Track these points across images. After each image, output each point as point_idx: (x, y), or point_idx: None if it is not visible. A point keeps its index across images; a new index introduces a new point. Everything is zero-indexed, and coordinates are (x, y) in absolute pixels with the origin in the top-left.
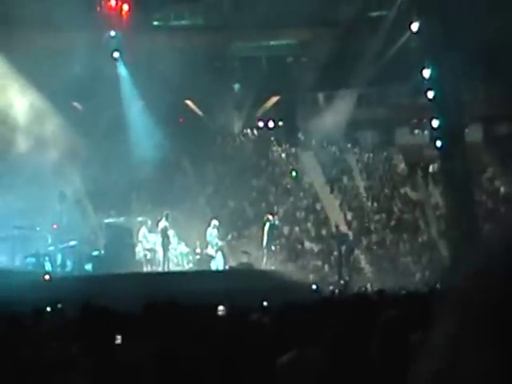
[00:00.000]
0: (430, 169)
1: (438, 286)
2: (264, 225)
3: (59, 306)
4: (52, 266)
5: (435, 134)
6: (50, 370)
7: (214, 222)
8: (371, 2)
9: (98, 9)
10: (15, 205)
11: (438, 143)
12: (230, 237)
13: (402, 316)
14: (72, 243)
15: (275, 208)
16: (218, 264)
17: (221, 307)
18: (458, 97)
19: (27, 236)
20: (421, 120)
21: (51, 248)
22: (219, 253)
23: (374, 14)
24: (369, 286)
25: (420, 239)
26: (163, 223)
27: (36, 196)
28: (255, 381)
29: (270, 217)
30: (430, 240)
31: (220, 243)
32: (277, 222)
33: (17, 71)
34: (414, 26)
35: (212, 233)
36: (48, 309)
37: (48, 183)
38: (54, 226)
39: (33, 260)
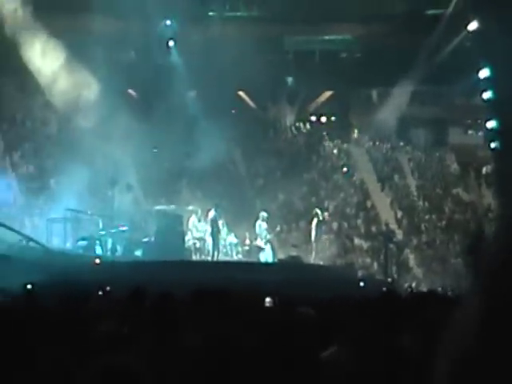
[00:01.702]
0: (484, 170)
1: None
2: (312, 219)
3: (108, 289)
4: (102, 250)
5: (490, 135)
6: (102, 347)
7: (263, 214)
8: None
9: None
10: (69, 188)
11: (493, 144)
12: (279, 229)
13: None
14: (123, 228)
15: (325, 203)
16: (267, 256)
17: (268, 299)
18: None
19: (79, 219)
20: (475, 120)
21: (102, 232)
22: (268, 245)
23: (430, 11)
24: (414, 285)
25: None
26: (213, 213)
27: (89, 180)
28: (299, 373)
29: (319, 211)
30: None
31: (269, 236)
32: (326, 217)
33: (76, 57)
34: (471, 25)
35: (261, 225)
36: (100, 292)
37: (101, 168)
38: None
39: (84, 243)
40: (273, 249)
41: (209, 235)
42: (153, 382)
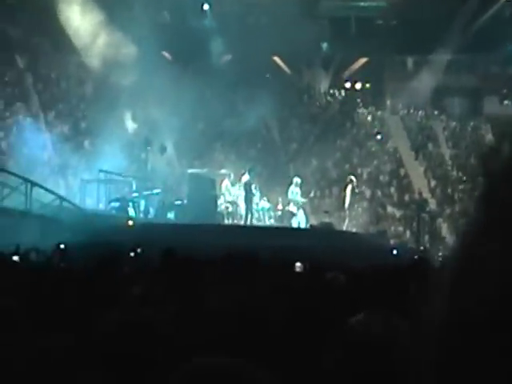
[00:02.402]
0: None
1: None
2: (347, 186)
3: (139, 250)
4: (135, 211)
5: None
6: (134, 308)
7: (297, 180)
8: None
9: None
10: (102, 149)
11: None
12: (312, 195)
13: None
14: (156, 191)
15: (359, 170)
16: (299, 222)
17: (298, 264)
18: None
19: (113, 180)
20: (511, 91)
21: (135, 194)
22: (301, 210)
23: None
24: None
25: None
26: (246, 177)
27: (123, 141)
28: (325, 339)
29: (354, 179)
30: None
31: (302, 201)
32: (357, 186)
33: (112, 19)
34: None
35: (294, 190)
36: (131, 254)
37: (135, 129)
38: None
39: (117, 205)
40: (305, 214)
41: (241, 199)
42: (179, 343)
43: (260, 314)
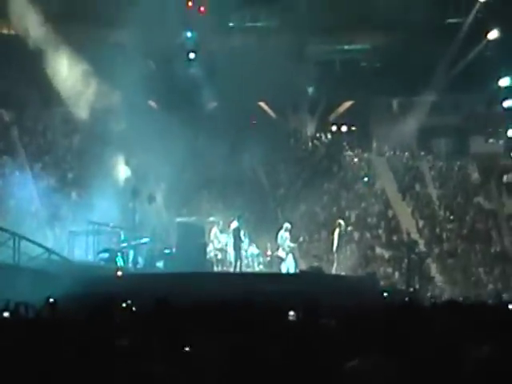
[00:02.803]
0: (505, 179)
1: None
2: (335, 230)
3: (129, 302)
4: (124, 262)
5: (510, 143)
6: (125, 360)
7: (286, 225)
8: (447, 8)
9: (176, 9)
10: (89, 200)
11: None
12: (301, 240)
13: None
14: (144, 240)
15: (347, 213)
16: (288, 266)
17: (291, 312)
18: None
19: (101, 231)
20: (496, 129)
21: (124, 244)
22: (290, 255)
23: (450, 20)
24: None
25: (493, 250)
26: (235, 224)
27: (110, 192)
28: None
29: (342, 222)
30: (502, 251)
31: (291, 246)
32: (348, 228)
33: (98, 70)
34: (492, 34)
35: (283, 235)
36: (123, 304)
37: (122, 180)
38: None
39: (105, 255)
40: (295, 259)
41: (230, 246)
42: None
43: (258, 362)
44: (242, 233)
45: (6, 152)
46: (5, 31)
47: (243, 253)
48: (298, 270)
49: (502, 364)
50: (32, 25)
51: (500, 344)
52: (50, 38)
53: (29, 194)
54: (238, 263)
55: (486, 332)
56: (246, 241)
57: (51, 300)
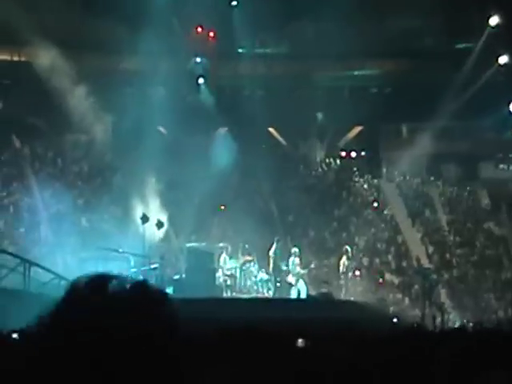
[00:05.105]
0: None
1: None
2: (342, 256)
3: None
4: None
5: None
6: None
7: (295, 250)
8: (457, 33)
9: (185, 35)
10: (99, 226)
11: None
12: (312, 266)
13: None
14: (154, 266)
15: (356, 239)
16: (300, 291)
17: (300, 340)
18: None
19: (110, 257)
20: (506, 155)
21: (133, 270)
22: (301, 281)
23: (460, 45)
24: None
25: (503, 276)
26: (273, 248)
27: (119, 218)
28: None
29: (349, 248)
30: None
31: (302, 271)
32: (352, 255)
33: (105, 97)
34: (502, 59)
35: (294, 261)
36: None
37: (131, 206)
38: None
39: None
40: (306, 284)
41: (238, 272)
42: None
43: None
44: (280, 256)
45: (17, 178)
46: (15, 58)
47: (252, 279)
48: (307, 296)
49: None
50: (41, 52)
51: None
52: (58, 64)
53: (38, 221)
54: (247, 289)
55: (497, 358)
56: (255, 267)
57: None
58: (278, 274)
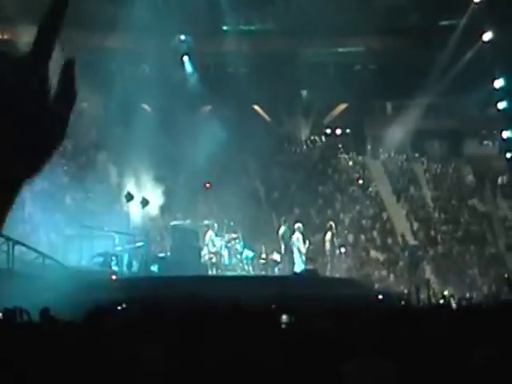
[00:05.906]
0: (499, 181)
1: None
2: (326, 232)
3: (124, 305)
4: (118, 266)
5: (505, 145)
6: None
7: (299, 225)
8: (441, 10)
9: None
10: (84, 204)
11: (508, 155)
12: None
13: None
14: (139, 244)
15: (341, 215)
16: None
17: (284, 316)
18: None
19: (95, 235)
20: (490, 131)
21: (118, 248)
22: (303, 257)
23: (444, 22)
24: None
25: (487, 252)
26: (282, 229)
27: (104, 196)
28: None
29: (333, 224)
30: (497, 253)
31: (304, 247)
32: (336, 231)
33: (89, 75)
34: (486, 36)
35: (299, 237)
36: (118, 308)
37: (116, 184)
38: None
39: (100, 260)
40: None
41: (225, 249)
42: None
43: (254, 367)
44: (291, 235)
45: None
46: None
47: (238, 256)
48: (292, 273)
49: (504, 365)
50: (24, 30)
51: (498, 345)
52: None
53: (22, 199)
54: (232, 267)
55: (484, 333)
56: (240, 244)
57: (45, 305)
58: (291, 255)
